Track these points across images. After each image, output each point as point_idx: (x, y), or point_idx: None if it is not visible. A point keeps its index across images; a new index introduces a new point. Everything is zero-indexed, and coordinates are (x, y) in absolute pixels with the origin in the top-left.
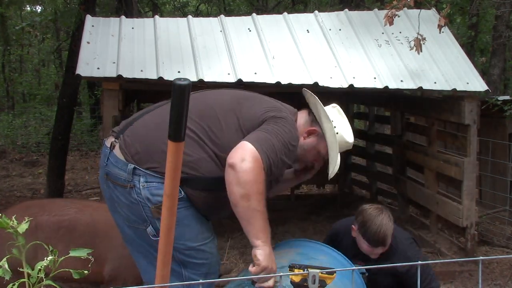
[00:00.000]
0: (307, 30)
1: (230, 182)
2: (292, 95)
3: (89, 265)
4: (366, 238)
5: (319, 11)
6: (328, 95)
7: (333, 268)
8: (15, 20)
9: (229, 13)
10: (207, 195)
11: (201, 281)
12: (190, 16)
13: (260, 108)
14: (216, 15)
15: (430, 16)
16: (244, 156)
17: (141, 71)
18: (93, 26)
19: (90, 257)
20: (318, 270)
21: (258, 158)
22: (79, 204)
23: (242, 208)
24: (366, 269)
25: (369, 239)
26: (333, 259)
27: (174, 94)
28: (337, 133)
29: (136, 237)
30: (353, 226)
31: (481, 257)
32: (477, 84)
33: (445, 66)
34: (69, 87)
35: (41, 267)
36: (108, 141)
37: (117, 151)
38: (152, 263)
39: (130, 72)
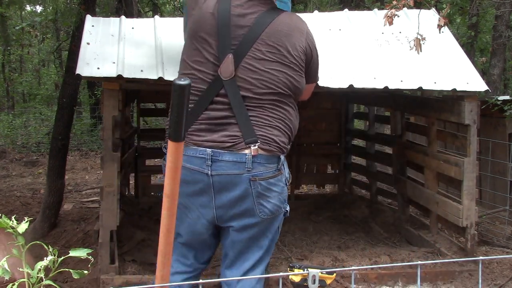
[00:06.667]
0: None
1: None
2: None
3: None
4: None
5: (319, 11)
6: (328, 95)
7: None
8: (15, 20)
9: None
10: None
11: (200, 281)
12: None
13: None
14: None
15: (430, 16)
16: None
17: (141, 71)
18: (93, 26)
19: (90, 257)
20: (318, 270)
21: None
22: None
23: None
24: None
25: None
26: None
27: (174, 94)
28: None
29: (260, 230)
30: None
31: (481, 257)
32: (477, 84)
33: (445, 66)
34: (69, 87)
35: (41, 267)
36: (244, 150)
37: (261, 151)
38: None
39: (130, 72)
